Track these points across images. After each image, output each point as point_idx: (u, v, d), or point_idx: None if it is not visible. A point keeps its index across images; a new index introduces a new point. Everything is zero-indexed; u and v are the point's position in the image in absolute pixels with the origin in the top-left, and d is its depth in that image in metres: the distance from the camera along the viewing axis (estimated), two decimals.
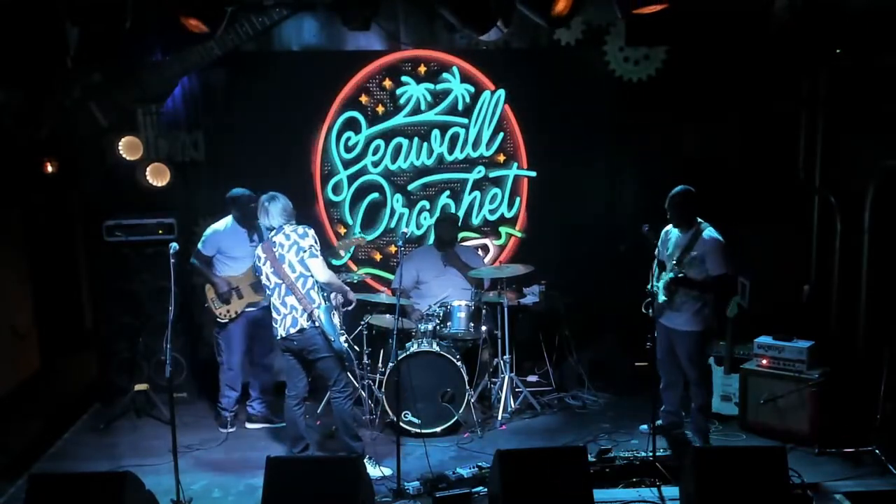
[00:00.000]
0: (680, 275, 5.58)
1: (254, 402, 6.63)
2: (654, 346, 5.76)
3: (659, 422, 6.00)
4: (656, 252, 5.77)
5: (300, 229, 5.46)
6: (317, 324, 5.41)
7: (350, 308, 5.90)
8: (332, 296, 5.87)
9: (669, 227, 5.86)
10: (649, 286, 5.74)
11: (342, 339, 5.66)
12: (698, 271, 5.61)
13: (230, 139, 7.32)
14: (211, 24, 5.64)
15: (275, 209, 5.46)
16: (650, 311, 5.77)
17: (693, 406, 5.88)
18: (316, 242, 5.45)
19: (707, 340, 5.91)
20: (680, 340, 5.76)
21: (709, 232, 5.65)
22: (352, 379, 5.97)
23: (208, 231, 6.42)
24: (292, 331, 5.45)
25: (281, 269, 5.42)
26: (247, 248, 6.33)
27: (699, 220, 5.72)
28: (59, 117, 6.44)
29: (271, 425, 6.52)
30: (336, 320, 5.64)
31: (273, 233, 5.50)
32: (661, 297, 5.73)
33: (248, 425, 6.59)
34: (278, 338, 5.55)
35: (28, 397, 6.66)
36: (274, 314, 5.53)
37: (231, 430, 6.52)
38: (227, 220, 6.40)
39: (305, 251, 5.39)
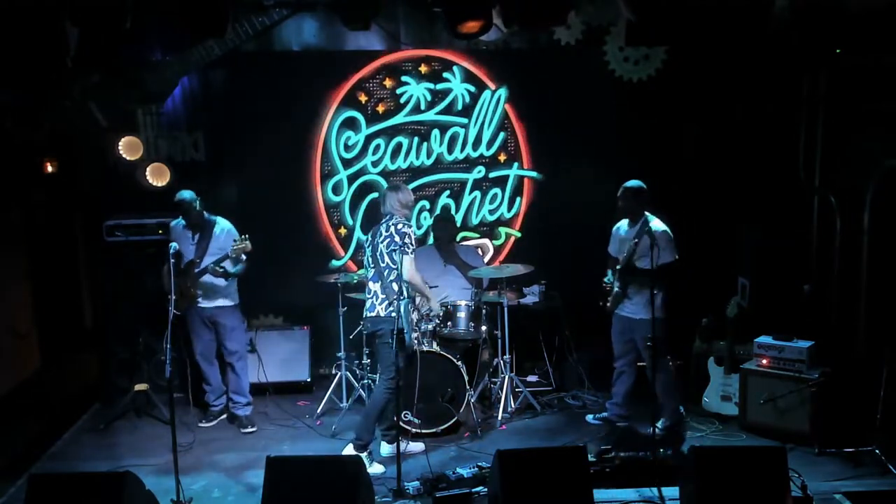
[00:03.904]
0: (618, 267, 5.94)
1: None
2: (653, 346, 5.79)
3: (605, 414, 6.45)
4: (608, 249, 6.24)
5: (400, 225, 5.69)
6: (393, 314, 5.55)
7: (432, 316, 6.28)
8: (418, 300, 6.20)
9: (620, 223, 6.22)
10: (605, 279, 6.22)
11: (413, 335, 5.98)
12: (646, 261, 5.82)
13: (230, 139, 7.32)
14: (217, 31, 5.65)
15: (391, 198, 5.81)
16: (607, 304, 6.18)
17: (658, 391, 6.06)
18: (411, 242, 5.65)
19: (661, 330, 5.97)
20: (637, 328, 6.03)
21: (655, 224, 5.94)
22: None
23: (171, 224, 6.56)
24: (368, 314, 5.78)
25: (374, 256, 5.77)
26: (187, 246, 6.40)
27: (646, 213, 6.02)
28: (59, 117, 6.44)
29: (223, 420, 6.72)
30: (414, 316, 6.02)
31: (383, 220, 5.81)
32: (616, 288, 6.08)
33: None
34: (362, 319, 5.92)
35: (28, 397, 6.65)
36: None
37: (207, 424, 6.60)
38: (181, 219, 6.50)
39: (399, 246, 5.60)
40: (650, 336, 5.73)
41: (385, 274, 5.68)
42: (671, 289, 6.03)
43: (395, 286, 5.60)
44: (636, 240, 5.93)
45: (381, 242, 5.71)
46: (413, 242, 5.68)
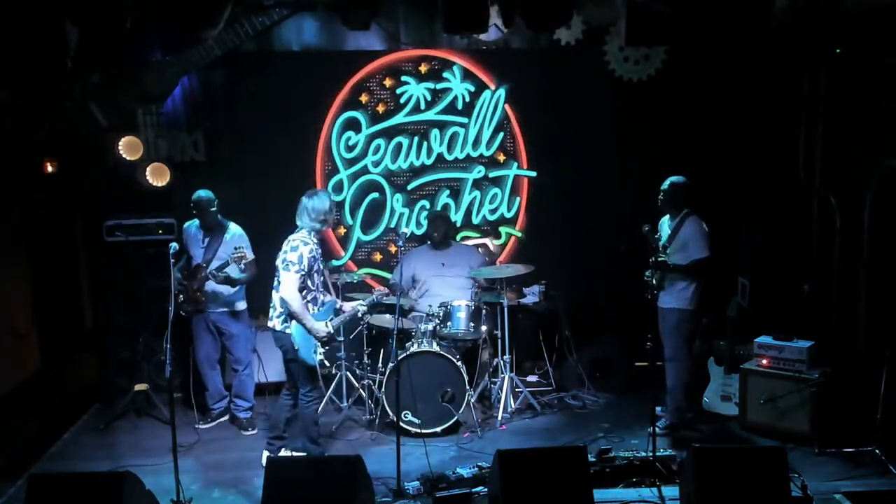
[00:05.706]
0: (661, 258, 5.87)
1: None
2: (654, 346, 5.79)
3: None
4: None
5: (295, 242, 5.42)
6: (287, 330, 5.43)
7: (327, 342, 5.56)
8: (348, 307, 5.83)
9: (664, 217, 6.19)
10: (646, 273, 6.07)
11: (319, 351, 5.49)
12: (682, 256, 5.95)
13: (230, 139, 7.32)
14: (208, 26, 5.64)
15: (303, 206, 5.49)
16: (650, 295, 6.06)
17: (667, 384, 6.14)
18: (299, 262, 5.33)
19: (687, 321, 6.05)
20: (662, 316, 6.06)
21: (693, 219, 6.01)
22: (322, 389, 5.84)
23: (185, 225, 6.52)
24: (268, 324, 5.57)
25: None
26: (197, 249, 6.38)
27: (687, 209, 6.05)
28: (59, 117, 6.44)
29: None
30: (324, 329, 5.50)
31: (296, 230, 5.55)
32: (652, 281, 6.02)
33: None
34: None
35: (28, 397, 6.67)
36: None
37: (204, 426, 6.56)
38: (195, 220, 6.45)
39: (284, 262, 5.39)
40: (650, 336, 5.76)
41: (279, 288, 5.45)
42: (705, 283, 6.04)
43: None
44: (676, 236, 5.98)
45: (279, 255, 5.45)
46: (299, 262, 5.32)
